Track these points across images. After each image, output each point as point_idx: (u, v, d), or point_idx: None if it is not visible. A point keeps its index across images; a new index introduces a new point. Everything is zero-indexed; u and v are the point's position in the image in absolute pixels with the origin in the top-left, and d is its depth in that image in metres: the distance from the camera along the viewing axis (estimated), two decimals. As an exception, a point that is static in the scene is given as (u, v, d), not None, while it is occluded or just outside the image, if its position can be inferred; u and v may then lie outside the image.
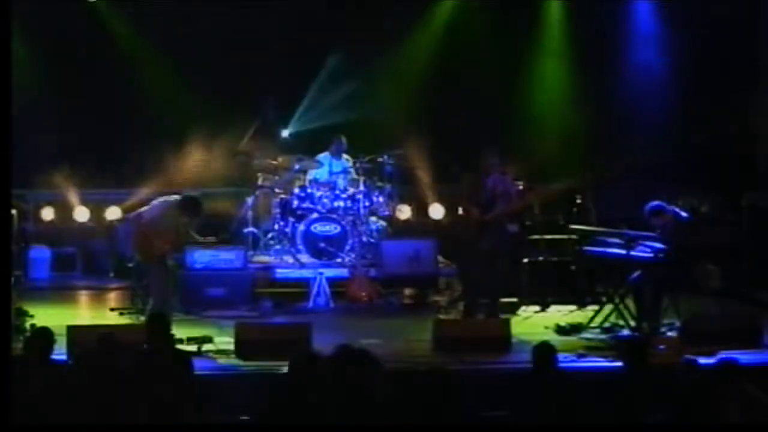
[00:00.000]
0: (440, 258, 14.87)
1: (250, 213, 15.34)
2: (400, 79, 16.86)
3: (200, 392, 9.15)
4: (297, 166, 15.51)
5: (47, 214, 16.71)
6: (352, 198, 15.27)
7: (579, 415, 8.56)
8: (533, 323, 13.21)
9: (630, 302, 12.38)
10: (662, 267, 11.92)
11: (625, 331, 12.12)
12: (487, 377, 10.35)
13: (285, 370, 8.38)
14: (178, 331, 11.31)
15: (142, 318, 12.12)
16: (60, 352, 9.76)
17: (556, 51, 17.22)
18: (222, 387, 10.11)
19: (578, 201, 15.33)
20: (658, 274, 11.92)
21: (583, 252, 13.07)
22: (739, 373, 8.57)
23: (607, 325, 12.41)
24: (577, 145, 16.61)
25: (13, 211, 14.56)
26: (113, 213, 16.33)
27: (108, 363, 8.82)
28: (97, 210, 16.62)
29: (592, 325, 12.50)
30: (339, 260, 14.79)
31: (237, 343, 11.33)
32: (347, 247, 14.88)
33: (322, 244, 14.81)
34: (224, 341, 11.58)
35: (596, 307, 12.86)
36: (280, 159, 15.60)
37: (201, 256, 14.14)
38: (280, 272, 14.70)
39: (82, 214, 16.63)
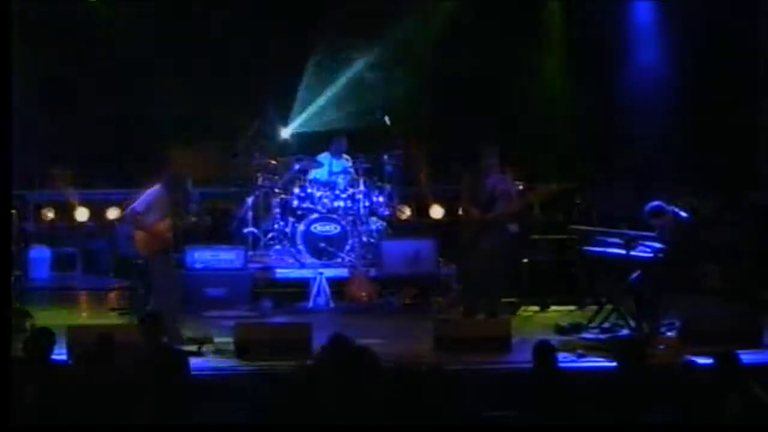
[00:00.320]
0: (440, 258, 14.87)
1: (250, 213, 15.35)
2: (401, 79, 16.86)
3: (200, 392, 9.17)
4: (297, 166, 15.51)
5: (47, 214, 16.71)
6: (352, 198, 15.28)
7: (579, 414, 8.56)
8: (533, 323, 13.20)
9: (630, 302, 12.38)
10: (662, 267, 11.90)
11: (625, 331, 12.12)
12: (487, 377, 10.35)
13: (285, 370, 8.39)
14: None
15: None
16: (60, 352, 9.76)
17: (556, 51, 17.22)
18: (222, 387, 10.11)
19: (578, 201, 15.33)
20: (658, 274, 11.91)
21: (583, 252, 13.05)
22: (739, 366, 8.57)
23: (607, 325, 12.41)
24: (577, 145, 16.61)
25: (13, 211, 14.58)
26: (113, 213, 16.35)
27: (108, 363, 8.82)
28: (97, 210, 16.62)
29: (592, 325, 12.50)
30: (339, 260, 14.79)
31: (237, 343, 11.32)
32: (347, 247, 14.88)
33: (322, 244, 14.82)
34: (224, 341, 11.58)
35: (596, 307, 12.86)
36: (280, 159, 15.61)
37: (201, 256, 14.15)
38: (280, 272, 14.70)
39: (82, 214, 16.63)
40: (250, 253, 14.87)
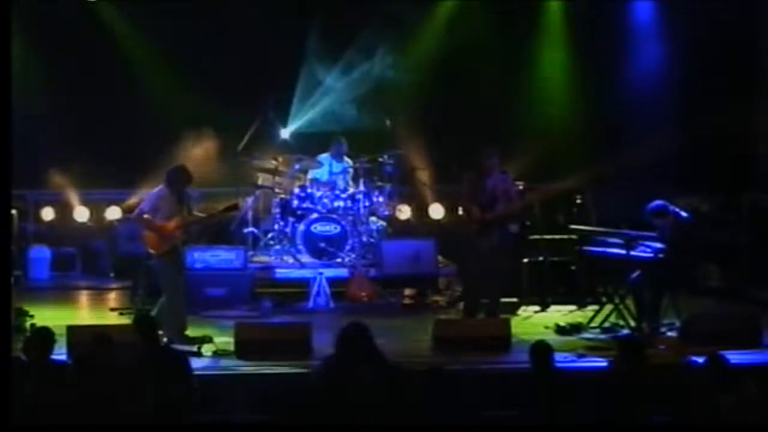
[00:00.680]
0: (440, 258, 14.87)
1: (250, 213, 15.35)
2: (400, 79, 16.86)
3: (199, 392, 9.16)
4: (297, 166, 15.52)
5: (47, 214, 16.72)
6: (352, 198, 15.28)
7: (579, 414, 8.56)
8: (533, 323, 13.21)
9: (630, 302, 12.38)
10: (662, 267, 11.90)
11: (625, 331, 12.12)
12: (487, 377, 10.35)
13: (285, 370, 8.39)
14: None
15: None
16: (60, 352, 9.77)
17: (556, 50, 17.22)
18: (222, 387, 10.11)
19: (578, 201, 15.31)
20: (658, 274, 11.91)
21: (583, 252, 13.06)
22: (728, 367, 8.57)
23: (607, 325, 12.41)
24: (577, 145, 16.61)
25: (13, 211, 14.58)
26: (113, 213, 16.35)
27: (107, 363, 8.82)
28: (97, 210, 16.64)
29: (592, 325, 12.51)
30: (339, 260, 14.79)
31: (237, 343, 11.33)
32: (347, 247, 14.89)
33: (322, 244, 14.82)
34: (224, 341, 11.58)
35: (596, 307, 12.86)
36: (280, 159, 15.61)
37: (201, 256, 14.15)
38: (280, 272, 14.70)
39: (82, 214, 16.65)
40: (250, 253, 14.87)
